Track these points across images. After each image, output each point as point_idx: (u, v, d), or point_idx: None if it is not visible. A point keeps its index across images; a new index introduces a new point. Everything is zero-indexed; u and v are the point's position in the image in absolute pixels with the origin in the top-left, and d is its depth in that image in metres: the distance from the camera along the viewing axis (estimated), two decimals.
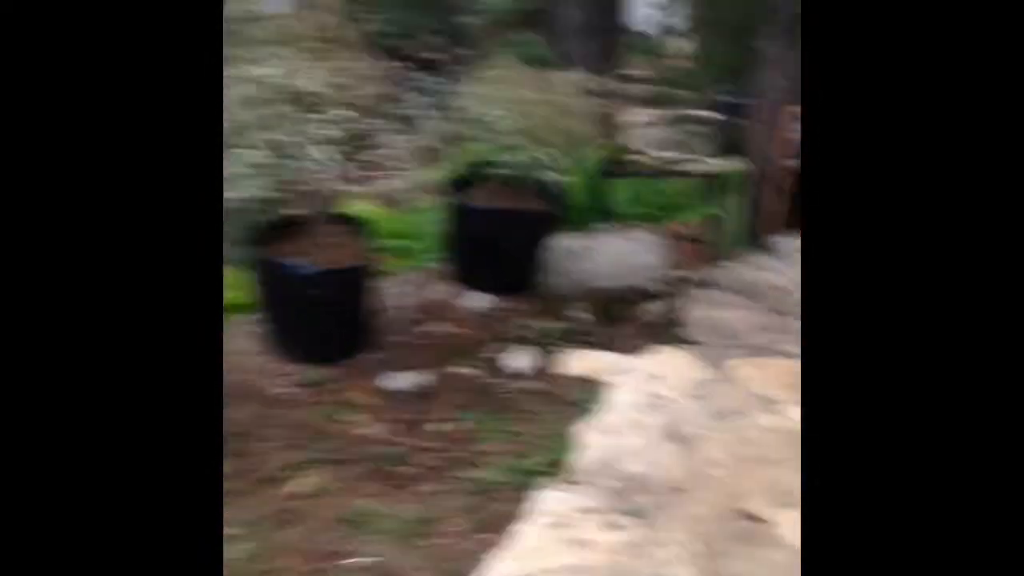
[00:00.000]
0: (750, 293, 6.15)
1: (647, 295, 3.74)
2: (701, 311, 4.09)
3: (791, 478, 1.96)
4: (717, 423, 2.12)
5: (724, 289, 6.04)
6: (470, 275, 5.40)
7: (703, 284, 5.97)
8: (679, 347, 3.47)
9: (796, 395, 2.21)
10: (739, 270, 6.89)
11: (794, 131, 7.17)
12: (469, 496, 3.25)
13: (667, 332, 3.92)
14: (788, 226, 7.40)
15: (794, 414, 2.14)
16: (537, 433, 3.15)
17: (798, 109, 7.28)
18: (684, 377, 2.39)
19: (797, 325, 5.38)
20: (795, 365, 2.47)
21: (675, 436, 2.17)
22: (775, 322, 5.34)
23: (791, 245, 7.34)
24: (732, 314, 5.32)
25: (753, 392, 2.25)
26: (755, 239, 7.56)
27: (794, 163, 7.28)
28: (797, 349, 4.31)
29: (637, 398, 2.31)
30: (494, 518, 3.12)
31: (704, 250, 6.45)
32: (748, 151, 8.05)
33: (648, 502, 2.20)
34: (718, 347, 3.74)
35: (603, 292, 3.82)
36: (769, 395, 2.22)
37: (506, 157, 4.61)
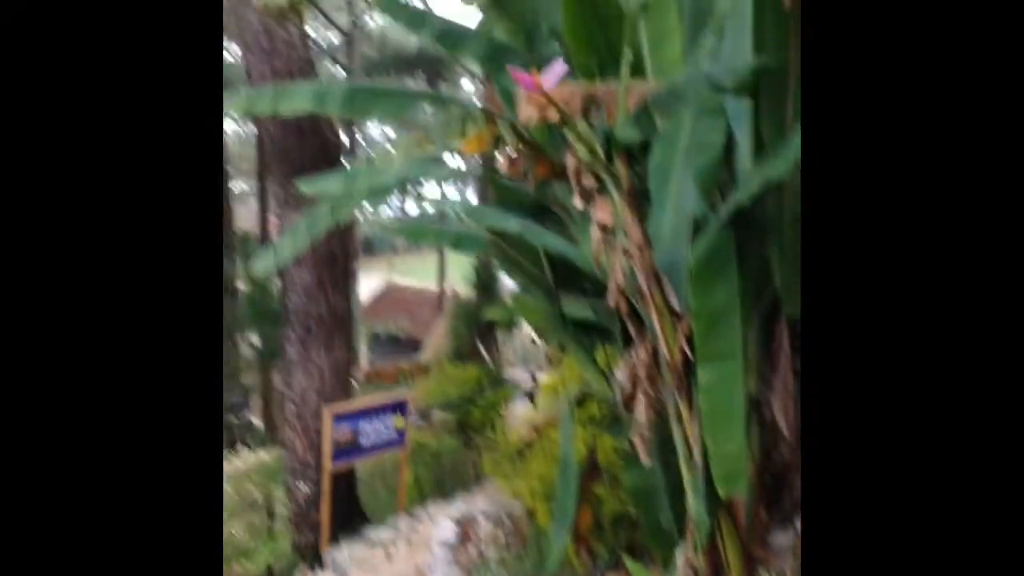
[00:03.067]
0: None
1: None
2: None
3: None
4: None
5: None
6: None
7: None
8: None
9: None
10: None
11: (335, 431, 6.76)
12: None
13: None
14: (334, 534, 6.77)
15: None
16: None
17: (339, 408, 6.86)
18: None
19: None
20: None
21: None
22: None
23: (344, 555, 6.64)
24: None
25: None
26: (311, 556, 6.74)
27: (337, 465, 6.75)
28: None
29: None
30: None
31: None
32: (284, 457, 7.32)
33: None
34: None
35: None
36: None
37: None
